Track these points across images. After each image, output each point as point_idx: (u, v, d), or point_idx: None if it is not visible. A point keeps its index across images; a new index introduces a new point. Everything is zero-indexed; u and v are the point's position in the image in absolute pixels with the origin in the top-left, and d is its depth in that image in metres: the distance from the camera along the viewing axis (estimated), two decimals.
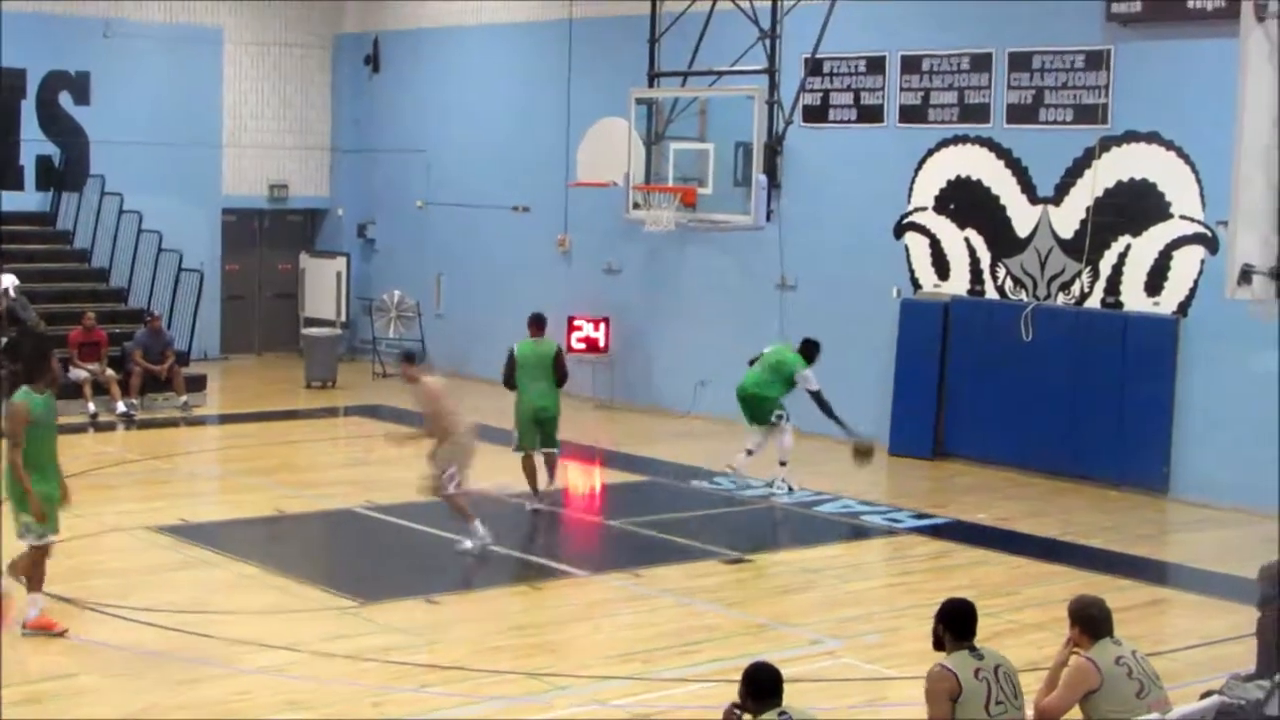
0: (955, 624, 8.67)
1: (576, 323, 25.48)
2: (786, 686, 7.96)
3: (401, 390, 26.79)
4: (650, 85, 22.02)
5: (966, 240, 21.41)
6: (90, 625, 13.13)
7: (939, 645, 8.69)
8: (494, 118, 28.10)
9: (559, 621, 13.78)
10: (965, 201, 21.40)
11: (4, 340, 23.86)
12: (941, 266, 21.71)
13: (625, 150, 21.47)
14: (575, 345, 25.44)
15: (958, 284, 21.54)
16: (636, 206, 21.32)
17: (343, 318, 29.84)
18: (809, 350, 19.50)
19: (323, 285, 30.29)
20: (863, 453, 19.11)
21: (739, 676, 7.95)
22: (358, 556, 16.36)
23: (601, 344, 25.53)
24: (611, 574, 15.37)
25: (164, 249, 27.29)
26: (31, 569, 12.84)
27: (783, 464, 19.42)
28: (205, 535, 16.37)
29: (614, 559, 16.46)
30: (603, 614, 14.06)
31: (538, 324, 18.52)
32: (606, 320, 25.51)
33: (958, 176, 21.47)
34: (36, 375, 13.01)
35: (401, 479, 19.27)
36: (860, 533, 17.47)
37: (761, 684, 7.89)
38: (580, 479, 21.21)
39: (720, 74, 21.56)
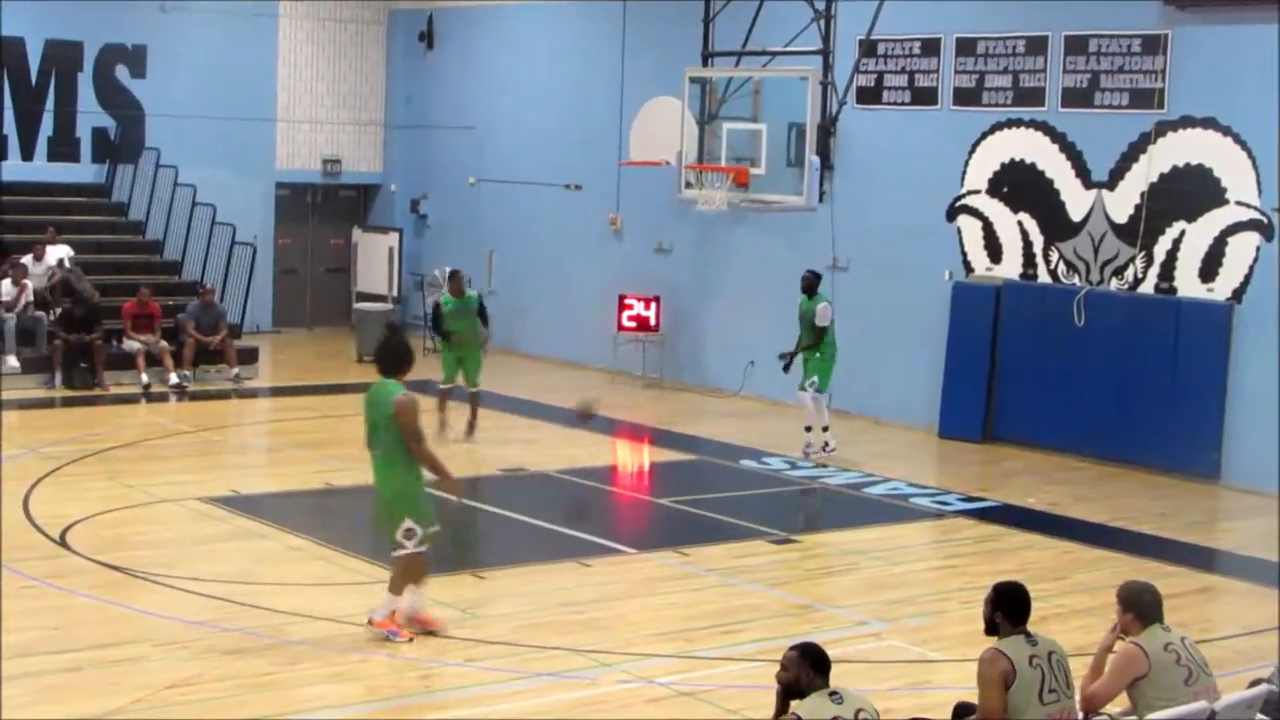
0: (1010, 607, 8.50)
1: (627, 301, 25.49)
2: (831, 667, 7.96)
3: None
4: (704, 65, 21.97)
5: (1019, 224, 21.31)
6: (138, 594, 13.22)
7: (991, 630, 8.55)
8: (547, 96, 28.09)
9: (605, 598, 13.78)
10: (1019, 185, 21.29)
11: (58, 311, 24.07)
12: (994, 250, 21.62)
13: (678, 129, 21.43)
14: (626, 324, 25.46)
15: (1010, 268, 21.44)
16: (689, 186, 21.29)
17: (394, 293, 29.90)
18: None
19: (375, 260, 30.36)
20: (584, 414, 19.42)
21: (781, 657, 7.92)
22: None
23: (652, 323, 25.52)
24: (658, 552, 15.37)
25: (217, 222, 27.45)
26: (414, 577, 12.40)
27: (821, 429, 19.83)
28: (255, 506, 16.46)
29: (661, 537, 16.47)
30: (649, 592, 14.07)
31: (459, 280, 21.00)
32: (657, 299, 25.50)
33: (1011, 160, 21.36)
34: (401, 369, 12.29)
35: (449, 454, 19.33)
36: (908, 515, 17.41)
37: (820, 659, 7.87)
38: (629, 457, 21.25)
39: (774, 54, 21.48)
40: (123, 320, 24.20)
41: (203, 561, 14.35)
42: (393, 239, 30.17)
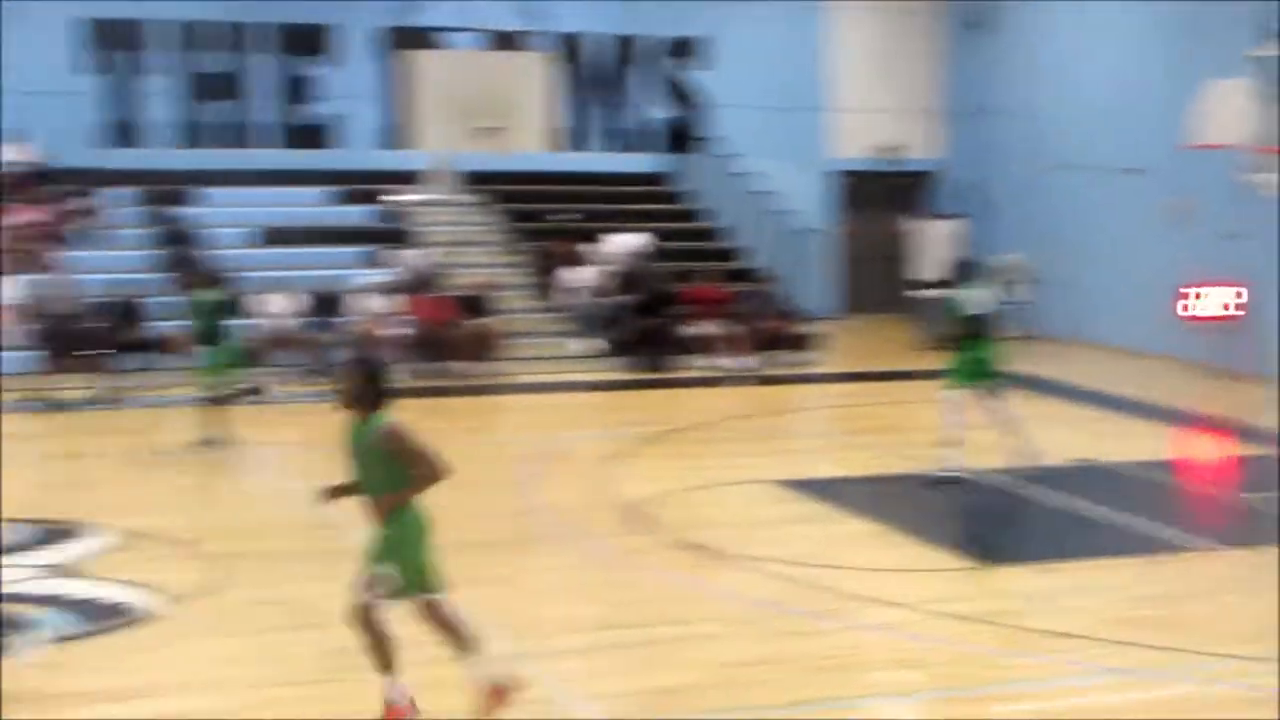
0: None
1: (1192, 289, 24.45)
2: None
3: (1040, 358, 26.57)
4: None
5: None
6: (708, 572, 13.47)
7: None
8: (1104, 77, 27.49)
9: (1182, 595, 13.30)
10: None
11: (631, 297, 24.89)
12: None
13: (1243, 111, 20.59)
14: (1191, 311, 24.42)
15: None
16: (1257, 170, 20.45)
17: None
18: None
19: (935, 247, 30.26)
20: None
21: None
22: (973, 519, 16.25)
23: (1221, 310, 24.45)
24: (1242, 549, 14.70)
25: (777, 210, 27.87)
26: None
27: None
28: (822, 490, 16.57)
29: (1244, 534, 15.76)
30: (1229, 590, 13.49)
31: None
32: (1227, 286, 24.41)
33: None
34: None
35: (1005, 444, 19.08)
36: None
37: None
38: (1200, 449, 20.50)
39: None
40: (690, 306, 24.83)
41: (771, 543, 14.53)
42: (952, 226, 30.01)
